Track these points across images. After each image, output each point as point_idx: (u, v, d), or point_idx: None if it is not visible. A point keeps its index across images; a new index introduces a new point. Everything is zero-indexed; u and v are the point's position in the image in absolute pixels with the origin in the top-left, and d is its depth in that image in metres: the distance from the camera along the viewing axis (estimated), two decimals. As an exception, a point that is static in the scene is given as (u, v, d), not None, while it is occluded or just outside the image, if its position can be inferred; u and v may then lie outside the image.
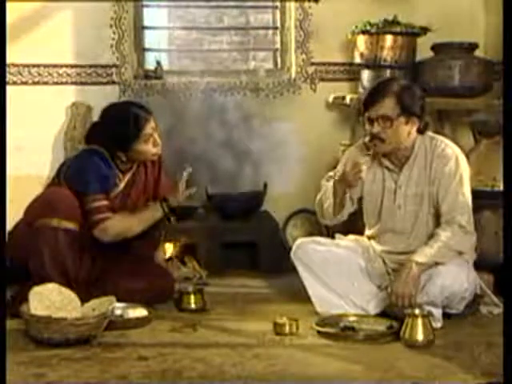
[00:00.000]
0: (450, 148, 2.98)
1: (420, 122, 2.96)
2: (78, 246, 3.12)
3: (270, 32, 4.82)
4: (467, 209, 2.92)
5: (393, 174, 3.05)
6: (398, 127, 2.90)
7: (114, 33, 4.28)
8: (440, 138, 3.05)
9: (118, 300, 2.92)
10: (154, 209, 3.24)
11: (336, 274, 3.04)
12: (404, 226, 3.04)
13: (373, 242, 3.16)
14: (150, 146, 3.23)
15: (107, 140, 3.21)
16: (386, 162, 3.05)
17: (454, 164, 2.93)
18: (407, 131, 2.93)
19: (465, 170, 2.96)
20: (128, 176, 3.32)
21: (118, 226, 3.16)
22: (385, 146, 2.94)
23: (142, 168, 3.36)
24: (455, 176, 2.92)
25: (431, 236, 2.92)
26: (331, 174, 3.19)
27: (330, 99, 4.38)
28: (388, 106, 2.89)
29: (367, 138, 2.97)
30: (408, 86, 3.01)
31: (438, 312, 2.86)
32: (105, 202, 3.16)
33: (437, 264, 2.84)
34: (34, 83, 4.25)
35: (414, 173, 3.00)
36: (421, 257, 2.84)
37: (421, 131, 2.99)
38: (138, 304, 3.09)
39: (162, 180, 3.43)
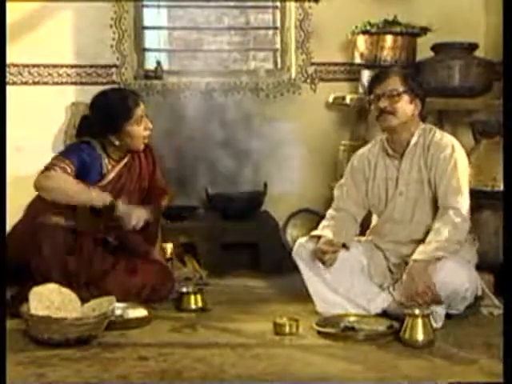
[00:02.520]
0: (446, 137, 3.08)
1: (422, 108, 3.09)
2: (77, 243, 3.13)
3: (270, 32, 4.82)
4: (461, 191, 2.96)
5: (394, 161, 3.12)
6: (404, 104, 3.03)
7: (114, 33, 4.29)
8: (437, 129, 3.14)
9: (120, 299, 2.94)
10: (101, 197, 3.14)
11: (338, 273, 3.04)
12: (404, 214, 3.08)
13: (374, 238, 3.17)
14: (142, 129, 3.23)
15: (98, 125, 3.22)
16: (389, 149, 3.12)
17: (450, 150, 3.00)
18: (411, 111, 3.06)
19: (460, 156, 3.02)
20: (119, 167, 3.31)
21: (60, 182, 3.10)
22: (394, 120, 3.03)
23: (136, 161, 3.36)
24: (450, 161, 2.98)
25: (429, 231, 2.93)
26: (342, 181, 3.26)
27: (330, 99, 4.38)
28: (394, 82, 3.05)
29: (376, 114, 3.08)
30: (410, 72, 3.31)
31: (441, 310, 2.86)
32: (65, 166, 3.13)
33: (438, 259, 2.84)
34: (34, 83, 4.25)
35: (414, 160, 3.07)
36: (421, 254, 2.85)
37: (422, 118, 3.12)
38: (138, 303, 3.10)
39: (158, 175, 3.44)
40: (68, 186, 3.11)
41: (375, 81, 3.12)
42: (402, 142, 3.09)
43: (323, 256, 2.99)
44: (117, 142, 3.23)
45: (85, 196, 3.12)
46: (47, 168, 3.13)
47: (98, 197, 3.14)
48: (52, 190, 3.10)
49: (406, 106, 3.03)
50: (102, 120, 3.22)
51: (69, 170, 3.13)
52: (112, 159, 3.29)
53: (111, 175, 3.29)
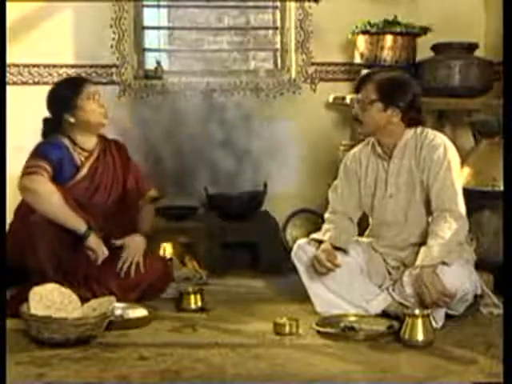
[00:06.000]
0: (439, 138, 3.04)
1: (405, 115, 3.02)
2: (72, 239, 3.13)
3: (270, 32, 4.82)
4: (456, 192, 2.95)
5: (384, 163, 3.10)
6: (374, 113, 3.00)
7: (114, 33, 4.28)
8: (430, 130, 3.11)
9: (118, 293, 2.98)
10: (80, 224, 3.12)
11: (337, 274, 3.03)
12: (397, 216, 3.07)
13: (372, 241, 3.17)
14: (96, 105, 3.27)
15: (53, 108, 3.28)
16: (379, 150, 3.11)
17: (443, 151, 2.98)
18: (385, 119, 3.01)
19: (453, 157, 3.00)
20: (92, 159, 3.33)
21: (46, 188, 3.09)
22: (362, 127, 3.07)
23: (108, 155, 3.38)
24: (443, 162, 2.96)
25: (426, 234, 2.92)
26: (336, 183, 3.25)
27: (330, 99, 4.38)
28: (367, 90, 3.03)
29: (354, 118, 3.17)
30: (395, 78, 3.11)
31: (441, 310, 2.85)
32: (46, 166, 3.13)
33: (444, 263, 2.83)
34: (34, 83, 4.25)
35: (404, 161, 3.05)
36: (426, 260, 2.82)
37: (409, 124, 3.05)
38: (137, 300, 3.13)
39: (131, 165, 3.46)
40: (51, 196, 3.08)
41: (356, 86, 3.13)
42: (389, 144, 3.07)
43: (320, 268, 2.99)
44: (72, 120, 3.25)
45: (61, 214, 3.08)
46: (31, 172, 3.11)
47: (73, 221, 3.11)
48: (36, 194, 3.08)
49: (376, 115, 2.99)
50: (55, 100, 3.28)
51: (49, 170, 3.14)
52: (82, 149, 3.31)
53: (85, 169, 3.30)
